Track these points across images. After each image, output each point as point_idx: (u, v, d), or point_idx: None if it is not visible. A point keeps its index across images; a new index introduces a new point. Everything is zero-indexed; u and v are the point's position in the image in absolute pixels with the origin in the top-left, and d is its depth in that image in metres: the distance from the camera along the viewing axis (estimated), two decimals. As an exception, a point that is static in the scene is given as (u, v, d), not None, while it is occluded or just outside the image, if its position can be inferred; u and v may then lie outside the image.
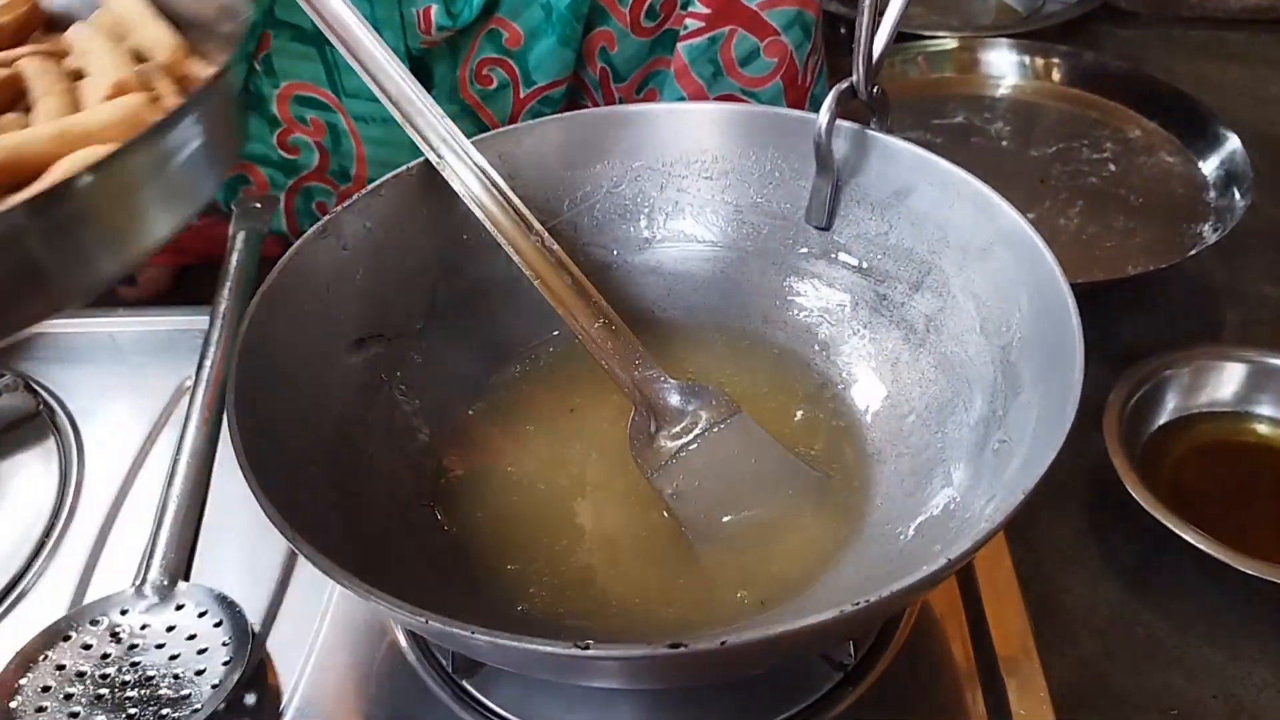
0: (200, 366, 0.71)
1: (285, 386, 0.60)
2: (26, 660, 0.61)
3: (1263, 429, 0.79)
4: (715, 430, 0.66)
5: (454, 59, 0.89)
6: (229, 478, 0.52)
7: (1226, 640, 0.69)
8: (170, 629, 0.63)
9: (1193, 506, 0.72)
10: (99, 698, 0.59)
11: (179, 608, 0.64)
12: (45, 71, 0.57)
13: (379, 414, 0.67)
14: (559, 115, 0.75)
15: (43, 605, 0.68)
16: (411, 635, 0.64)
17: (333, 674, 0.63)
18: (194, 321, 0.86)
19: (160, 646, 0.62)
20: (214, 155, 0.56)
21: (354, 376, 0.66)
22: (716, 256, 0.77)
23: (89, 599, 0.67)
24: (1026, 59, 1.20)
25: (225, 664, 0.61)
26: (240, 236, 0.80)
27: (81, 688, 0.60)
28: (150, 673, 0.60)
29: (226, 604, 0.64)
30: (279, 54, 0.87)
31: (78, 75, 0.59)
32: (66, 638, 0.62)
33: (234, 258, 0.78)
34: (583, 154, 0.75)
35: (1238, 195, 0.97)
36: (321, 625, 0.65)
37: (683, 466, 0.65)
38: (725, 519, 0.64)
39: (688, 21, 0.85)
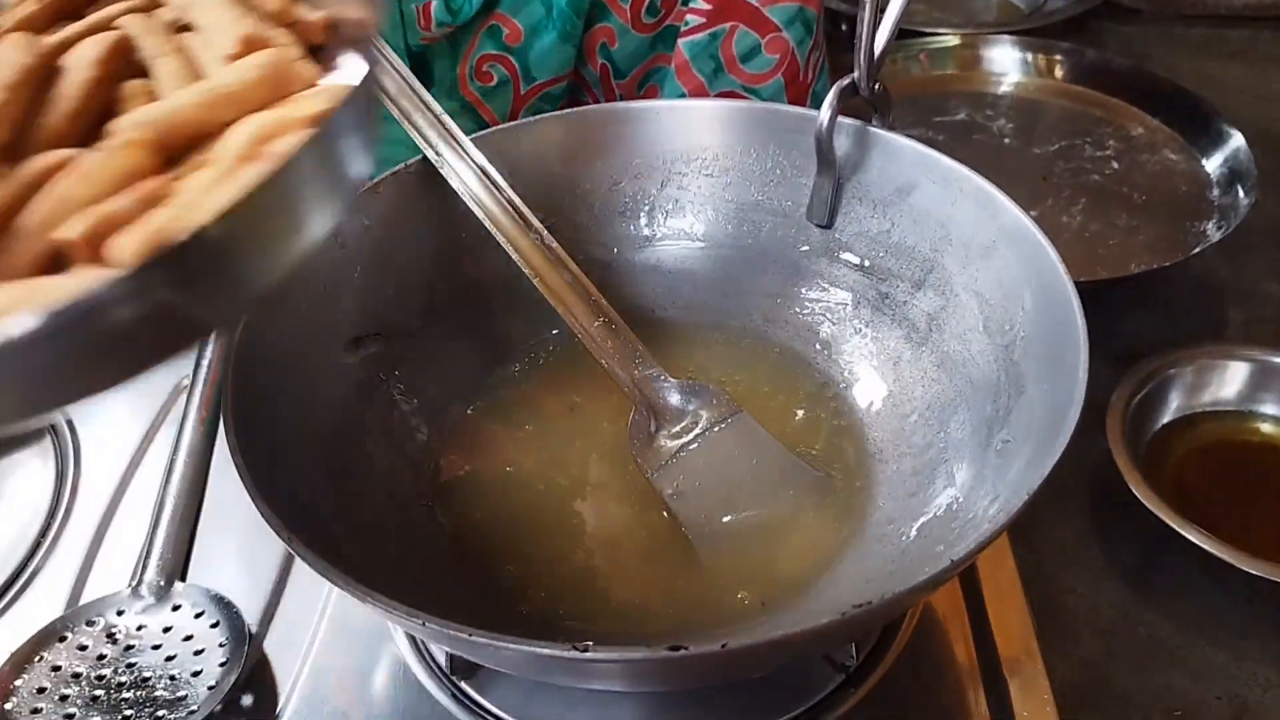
0: (197, 366, 0.70)
1: (282, 385, 0.59)
2: (22, 661, 0.61)
3: (1267, 428, 0.79)
4: (716, 430, 0.66)
5: (454, 55, 0.88)
6: (226, 477, 0.51)
7: (1230, 640, 0.68)
8: (166, 630, 0.62)
9: (1196, 506, 0.71)
10: (94, 699, 0.59)
11: (175, 608, 0.63)
12: (149, 29, 0.52)
13: (377, 413, 0.67)
14: (559, 112, 0.75)
15: (38, 606, 0.68)
16: (410, 636, 0.64)
17: (330, 675, 0.63)
18: (192, 320, 0.86)
19: (156, 647, 0.62)
20: (371, 128, 0.50)
21: (352, 375, 0.66)
22: (717, 255, 0.76)
23: (85, 599, 0.67)
24: (1029, 56, 1.20)
25: (222, 665, 0.60)
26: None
27: (77, 689, 0.59)
28: (146, 674, 0.60)
29: (223, 604, 0.63)
30: None
31: (180, 28, 0.53)
32: (62, 638, 0.62)
33: (232, 256, 0.78)
34: (583, 151, 0.75)
35: (1241, 193, 0.97)
36: (319, 626, 0.65)
37: (683, 466, 0.65)
38: (726, 519, 0.63)
39: (689, 17, 0.85)
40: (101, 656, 0.61)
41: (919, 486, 0.62)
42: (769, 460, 0.65)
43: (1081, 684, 0.66)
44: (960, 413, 0.63)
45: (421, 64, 0.88)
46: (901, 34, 0.89)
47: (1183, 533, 0.68)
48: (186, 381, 0.71)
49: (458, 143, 0.66)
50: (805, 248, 0.74)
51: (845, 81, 0.65)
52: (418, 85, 0.66)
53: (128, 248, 0.39)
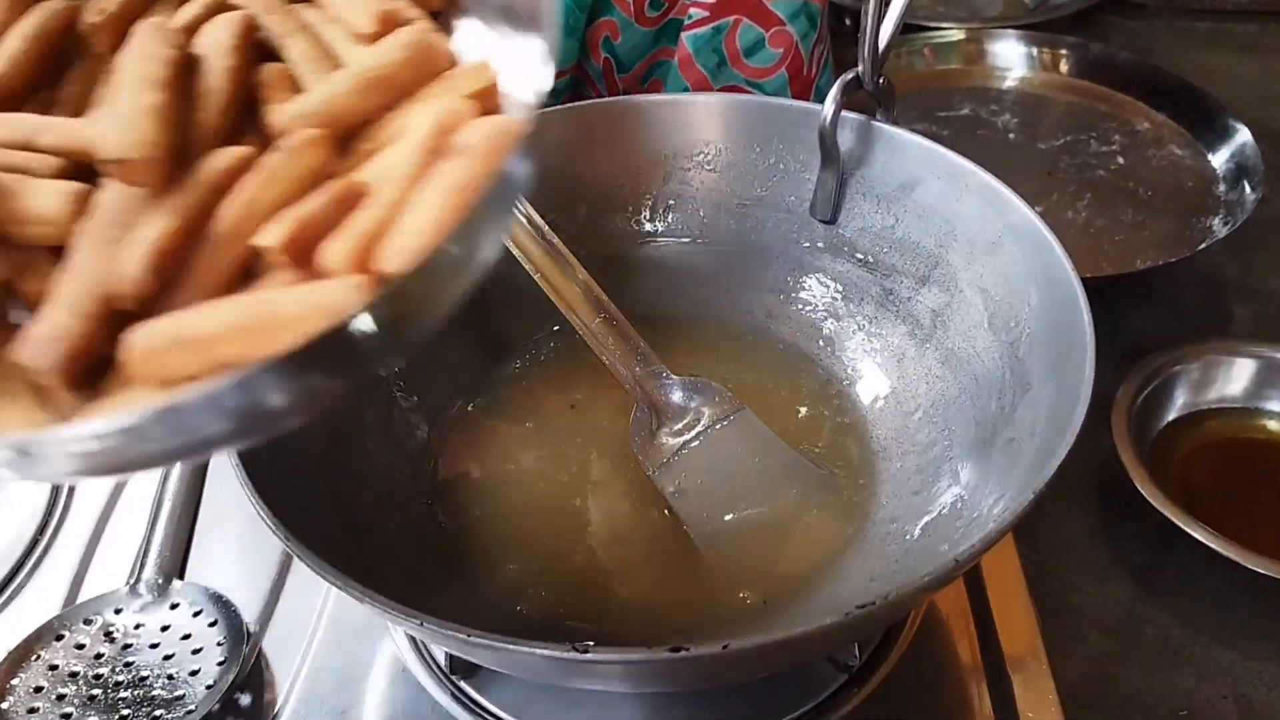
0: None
1: (280, 383, 0.59)
2: (18, 660, 0.60)
3: (1273, 425, 0.78)
4: (718, 427, 0.66)
5: (454, 50, 0.88)
6: (224, 475, 0.51)
7: (1237, 639, 0.68)
8: (165, 628, 0.62)
9: (1202, 504, 0.71)
10: (92, 698, 0.59)
11: (173, 606, 0.63)
12: (269, 6, 0.50)
13: (376, 411, 0.66)
14: (561, 106, 0.75)
15: (36, 603, 0.67)
16: (409, 636, 0.64)
17: (329, 674, 0.62)
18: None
19: (154, 646, 0.61)
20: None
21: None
22: (719, 250, 0.76)
23: (83, 597, 0.66)
24: (1034, 51, 1.19)
25: (220, 664, 0.60)
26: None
27: (74, 688, 0.59)
28: (144, 673, 0.60)
29: (221, 603, 0.63)
30: None
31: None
32: (59, 637, 0.62)
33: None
34: (585, 146, 0.74)
35: (1248, 188, 0.96)
36: (318, 624, 0.64)
37: (685, 464, 0.64)
38: (728, 517, 0.63)
39: (692, 11, 0.85)
40: (99, 655, 0.61)
41: (923, 485, 0.62)
42: (771, 458, 0.65)
43: (1086, 683, 0.66)
44: (965, 410, 0.62)
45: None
46: (906, 28, 0.88)
47: (1189, 530, 0.68)
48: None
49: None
50: (808, 244, 0.73)
51: (849, 76, 0.64)
52: None
53: (339, 255, 0.38)
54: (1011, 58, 1.20)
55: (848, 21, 1.28)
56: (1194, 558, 0.68)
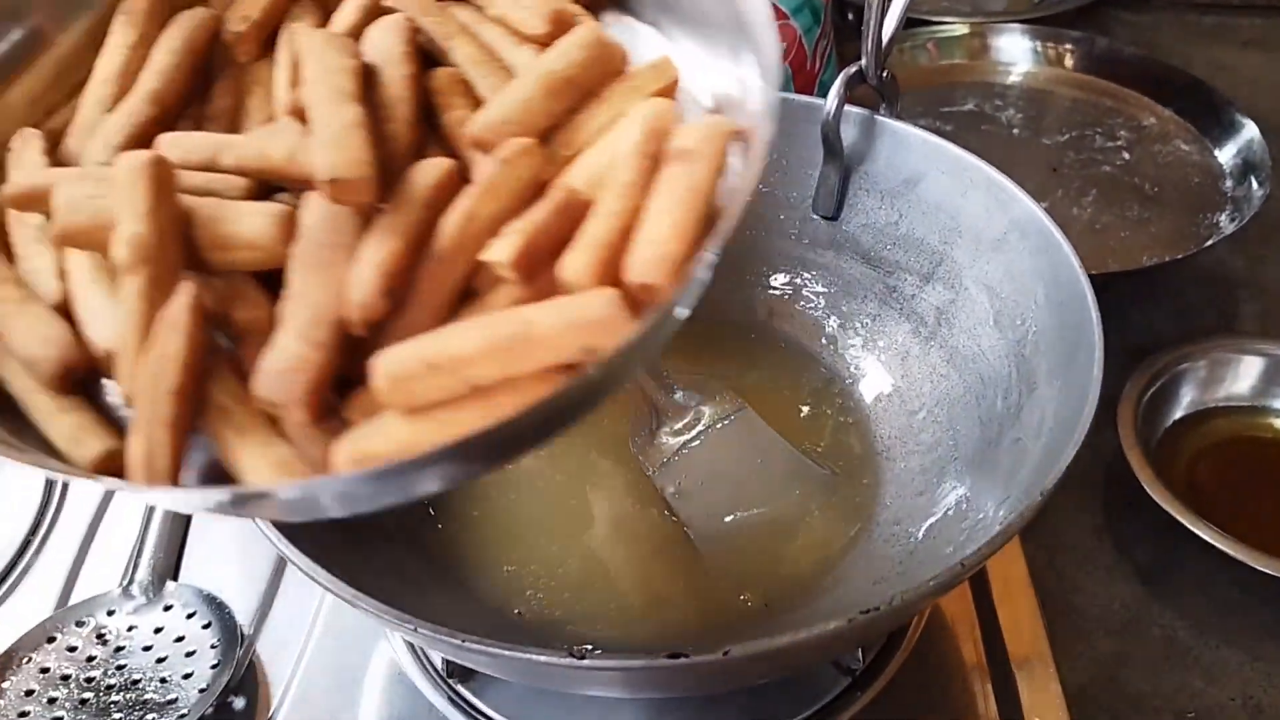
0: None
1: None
2: (9, 663, 0.60)
3: (1281, 424, 0.78)
4: (719, 427, 0.65)
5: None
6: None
7: (1245, 640, 0.67)
8: (158, 630, 0.62)
9: (1209, 503, 0.70)
10: (83, 702, 0.58)
11: (167, 608, 0.63)
12: (426, 9, 0.49)
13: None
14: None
15: (28, 605, 0.66)
16: (405, 639, 0.63)
17: (324, 678, 0.61)
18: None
19: (147, 649, 0.61)
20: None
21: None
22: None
23: (75, 599, 0.66)
24: (1038, 45, 1.18)
25: (213, 667, 0.59)
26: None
27: (66, 691, 0.59)
28: (136, 676, 0.59)
29: (215, 605, 0.63)
30: None
31: None
32: (51, 639, 0.61)
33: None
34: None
35: (1255, 184, 0.95)
36: (313, 627, 0.64)
37: (685, 464, 0.64)
38: (729, 518, 0.62)
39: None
40: (91, 658, 0.60)
41: (927, 485, 0.61)
42: (773, 458, 0.64)
43: (1093, 685, 0.65)
44: (969, 409, 0.62)
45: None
46: (909, 22, 0.88)
47: (1196, 530, 0.67)
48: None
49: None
50: (810, 240, 0.72)
51: (853, 70, 0.63)
52: None
53: (582, 269, 0.37)
54: (1015, 52, 1.19)
55: (850, 16, 1.27)
56: (1201, 558, 0.67)
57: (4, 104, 0.50)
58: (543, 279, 0.39)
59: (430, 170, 0.41)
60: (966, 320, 0.64)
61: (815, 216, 0.71)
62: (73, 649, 0.61)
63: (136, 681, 0.59)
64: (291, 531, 0.46)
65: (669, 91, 0.45)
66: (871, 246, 0.69)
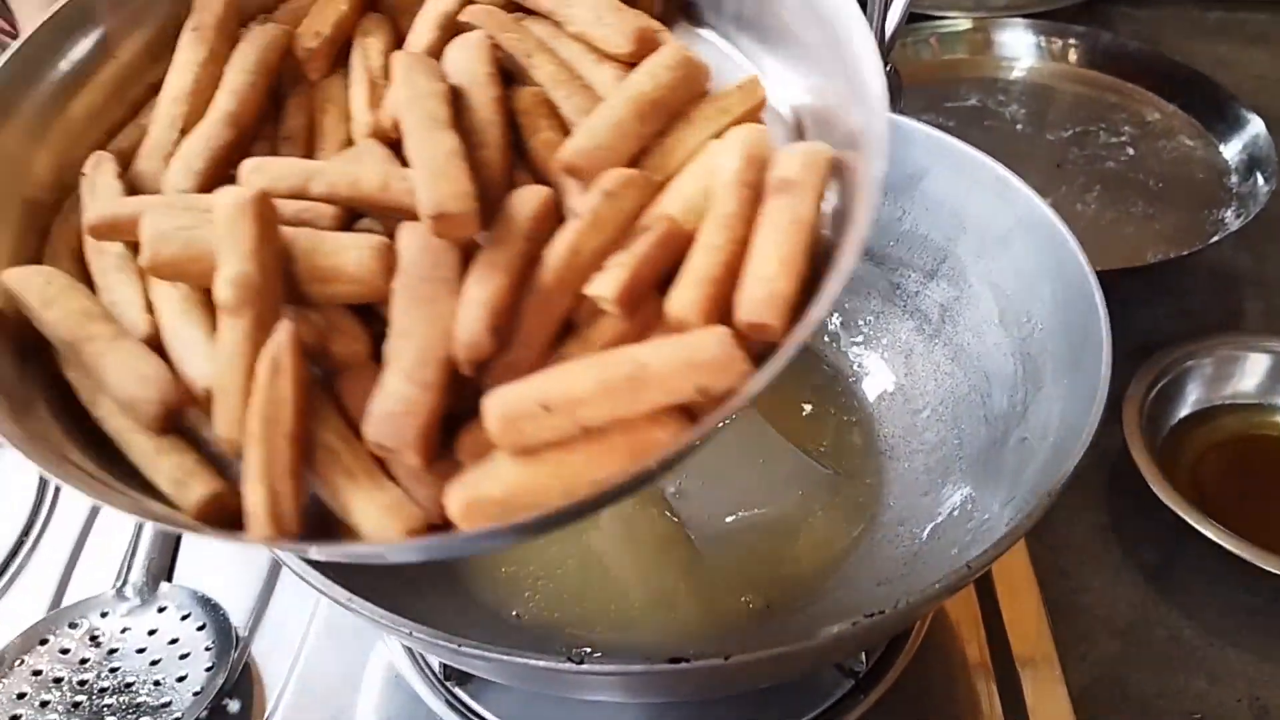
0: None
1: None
2: (2, 665, 0.59)
3: (1288, 422, 0.77)
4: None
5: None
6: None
7: (1252, 641, 0.67)
8: (151, 632, 0.61)
9: (1215, 502, 0.70)
10: (76, 705, 0.57)
11: (161, 610, 0.62)
12: (503, 25, 0.49)
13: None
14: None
15: (20, 607, 0.66)
16: (403, 639, 0.63)
17: (320, 680, 0.61)
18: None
19: (141, 651, 0.60)
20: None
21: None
22: (722, 243, 0.74)
23: (68, 601, 0.65)
24: (1042, 40, 1.18)
25: (208, 670, 0.59)
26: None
27: (59, 694, 0.58)
28: (129, 679, 0.59)
29: (210, 606, 0.62)
30: None
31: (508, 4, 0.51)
32: (44, 641, 0.61)
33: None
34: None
35: (1261, 180, 0.95)
36: (309, 629, 0.63)
37: (686, 464, 0.63)
38: (730, 519, 0.62)
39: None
40: (84, 660, 0.60)
41: (931, 485, 0.61)
42: (775, 457, 0.64)
43: (1098, 686, 0.64)
44: (974, 408, 0.61)
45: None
46: (912, 17, 0.87)
47: (1202, 529, 0.66)
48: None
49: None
50: (813, 236, 0.72)
51: (856, 64, 0.63)
52: None
53: (691, 305, 0.37)
54: (1019, 47, 1.19)
55: (852, 11, 1.27)
56: (1207, 557, 0.67)
57: (68, 120, 0.49)
58: (644, 311, 0.39)
59: (529, 200, 0.41)
60: (971, 318, 0.63)
61: (817, 212, 0.71)
62: (65, 651, 0.60)
63: (130, 684, 0.58)
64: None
65: (757, 111, 0.45)
66: (874, 243, 0.69)
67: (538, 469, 0.35)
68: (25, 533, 0.70)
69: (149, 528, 0.63)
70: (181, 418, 0.40)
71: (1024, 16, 1.21)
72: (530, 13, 0.50)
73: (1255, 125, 0.99)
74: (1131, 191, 0.98)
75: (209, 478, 0.39)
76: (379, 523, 0.37)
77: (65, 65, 0.49)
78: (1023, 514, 0.45)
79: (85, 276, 0.46)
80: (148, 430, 0.40)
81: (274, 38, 0.50)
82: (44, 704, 0.57)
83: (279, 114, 0.51)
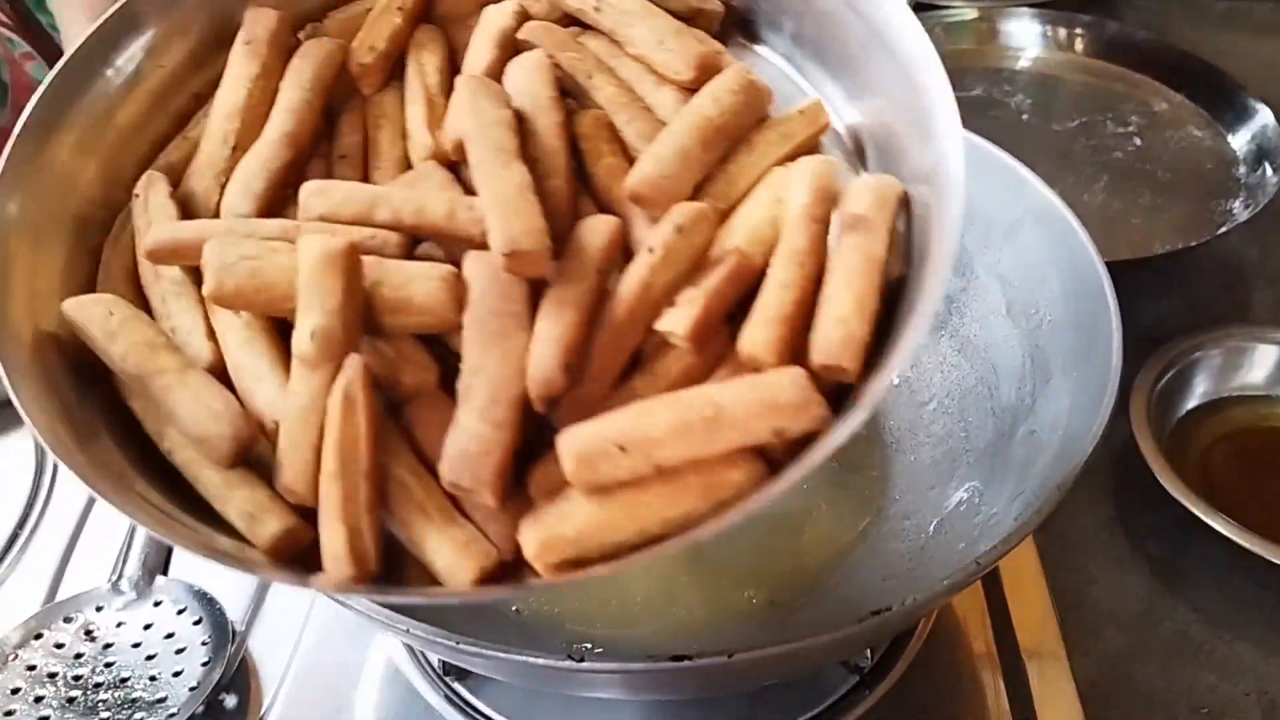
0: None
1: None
2: (-4, 660, 0.59)
3: (1297, 414, 0.76)
4: (723, 417, 0.64)
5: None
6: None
7: (1260, 635, 0.66)
8: (147, 627, 0.60)
9: (1223, 494, 0.69)
10: (71, 700, 0.57)
11: (157, 604, 0.61)
12: (562, 43, 0.49)
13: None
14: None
15: (14, 601, 0.65)
16: (402, 634, 0.62)
17: (318, 675, 0.60)
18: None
19: (136, 645, 0.60)
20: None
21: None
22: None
23: (63, 595, 0.64)
24: (1048, 29, 1.17)
25: (204, 664, 0.58)
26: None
27: (53, 689, 0.57)
28: (125, 674, 0.58)
29: (206, 600, 0.62)
30: None
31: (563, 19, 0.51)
32: (38, 636, 0.60)
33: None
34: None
35: (1269, 170, 0.94)
36: (307, 623, 0.63)
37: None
38: (733, 513, 0.61)
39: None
40: (79, 655, 0.59)
41: (938, 479, 0.60)
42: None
43: (1105, 680, 0.63)
44: (981, 400, 0.60)
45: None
46: (917, 6, 0.86)
47: (1209, 522, 0.66)
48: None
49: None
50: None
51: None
52: None
53: (765, 345, 0.37)
54: (1025, 37, 1.18)
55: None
56: (1215, 550, 0.66)
57: (114, 131, 0.49)
58: (713, 345, 0.39)
59: (598, 232, 0.41)
60: (978, 309, 0.62)
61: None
62: (60, 646, 0.59)
63: (125, 679, 0.58)
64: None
65: (818, 136, 0.45)
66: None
67: (611, 508, 0.35)
68: (20, 526, 0.69)
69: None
70: (251, 451, 0.40)
71: (1030, 6, 1.20)
72: (586, 24, 0.50)
73: (1264, 115, 0.98)
74: (1139, 182, 0.97)
75: (283, 512, 0.39)
76: (454, 561, 0.37)
77: (112, 74, 0.49)
78: (1032, 509, 0.44)
79: (140, 298, 0.46)
80: (218, 465, 0.40)
81: (329, 53, 0.50)
82: (39, 699, 0.57)
83: (332, 131, 0.51)
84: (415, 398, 0.40)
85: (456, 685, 0.59)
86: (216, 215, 0.47)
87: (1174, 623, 0.67)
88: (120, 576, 0.62)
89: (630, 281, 0.39)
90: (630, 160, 0.45)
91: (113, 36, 0.49)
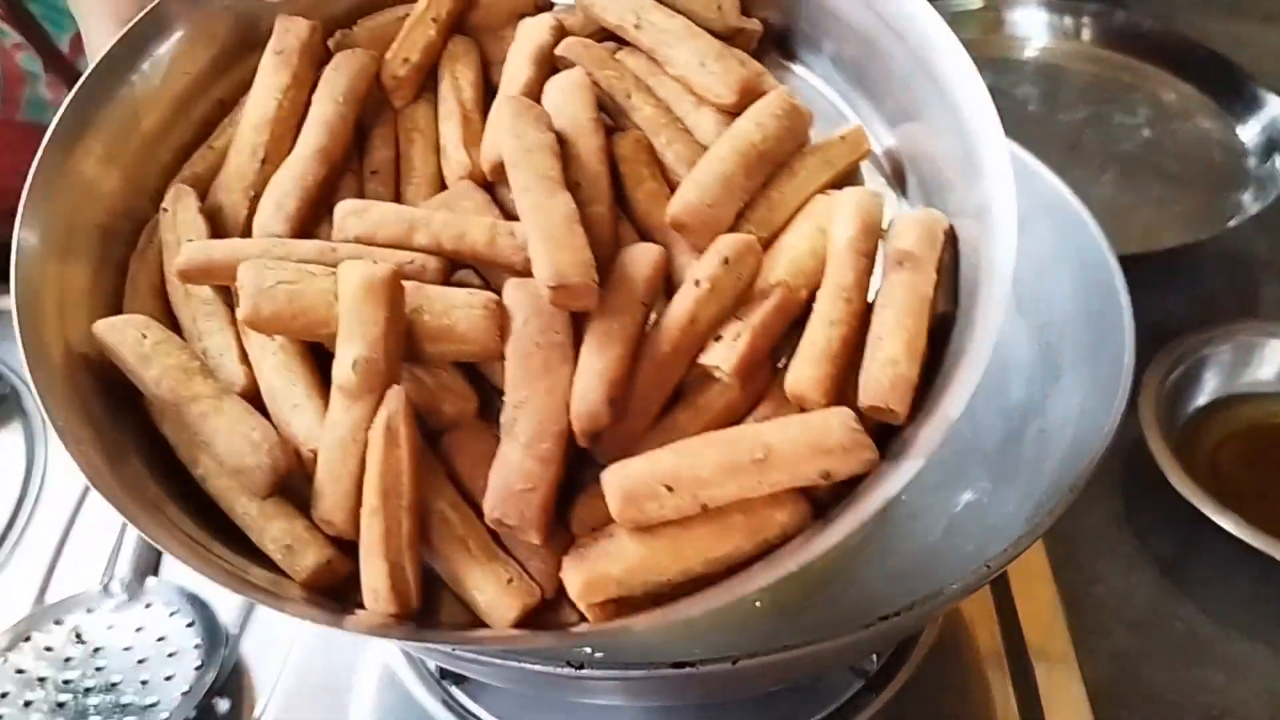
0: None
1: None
2: (-16, 664, 0.58)
3: (1308, 411, 0.76)
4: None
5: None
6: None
7: (1270, 635, 0.65)
8: (138, 630, 0.60)
9: (1233, 493, 0.68)
10: (60, 705, 0.56)
11: (148, 606, 0.61)
12: (600, 61, 0.48)
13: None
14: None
15: (3, 604, 0.64)
16: (398, 637, 0.61)
17: (313, 679, 0.59)
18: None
19: (127, 649, 0.59)
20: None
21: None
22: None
23: (53, 597, 0.64)
24: (1055, 18, 1.15)
25: (197, 668, 0.58)
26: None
27: (43, 693, 0.57)
28: (115, 678, 0.57)
29: (199, 603, 0.61)
30: None
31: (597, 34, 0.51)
32: (27, 638, 0.59)
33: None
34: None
35: (1279, 163, 0.93)
36: (301, 626, 0.61)
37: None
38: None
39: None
40: (69, 659, 0.58)
41: (945, 479, 0.59)
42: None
43: (1113, 681, 0.63)
44: (989, 398, 0.59)
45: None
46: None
47: (1219, 520, 0.65)
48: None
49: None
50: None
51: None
52: None
53: (812, 384, 0.37)
54: (1031, 26, 1.16)
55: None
56: (1224, 549, 0.65)
57: (138, 138, 0.49)
58: (756, 379, 0.39)
59: (643, 262, 0.41)
60: (986, 304, 0.61)
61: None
62: (49, 649, 0.59)
63: (116, 684, 0.57)
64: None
65: (859, 162, 0.45)
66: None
67: (656, 546, 0.36)
68: (9, 527, 0.69)
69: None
70: (288, 480, 0.40)
71: (1036, -5, 1.19)
72: (622, 39, 0.50)
73: (1274, 106, 0.97)
74: (1147, 174, 0.96)
75: (321, 544, 0.39)
76: (496, 598, 0.37)
77: (137, 79, 0.49)
78: (1044, 510, 0.43)
79: (168, 315, 0.45)
80: (255, 495, 0.40)
81: (364, 65, 0.49)
82: (27, 704, 0.56)
83: (363, 144, 0.50)
84: (454, 427, 0.41)
85: (454, 690, 0.58)
86: (246, 229, 0.46)
87: (1183, 622, 0.66)
88: (111, 578, 0.61)
89: (676, 314, 0.39)
90: (670, 184, 0.45)
91: (141, 41, 0.49)
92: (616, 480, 0.35)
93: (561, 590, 0.37)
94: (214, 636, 0.59)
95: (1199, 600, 0.67)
